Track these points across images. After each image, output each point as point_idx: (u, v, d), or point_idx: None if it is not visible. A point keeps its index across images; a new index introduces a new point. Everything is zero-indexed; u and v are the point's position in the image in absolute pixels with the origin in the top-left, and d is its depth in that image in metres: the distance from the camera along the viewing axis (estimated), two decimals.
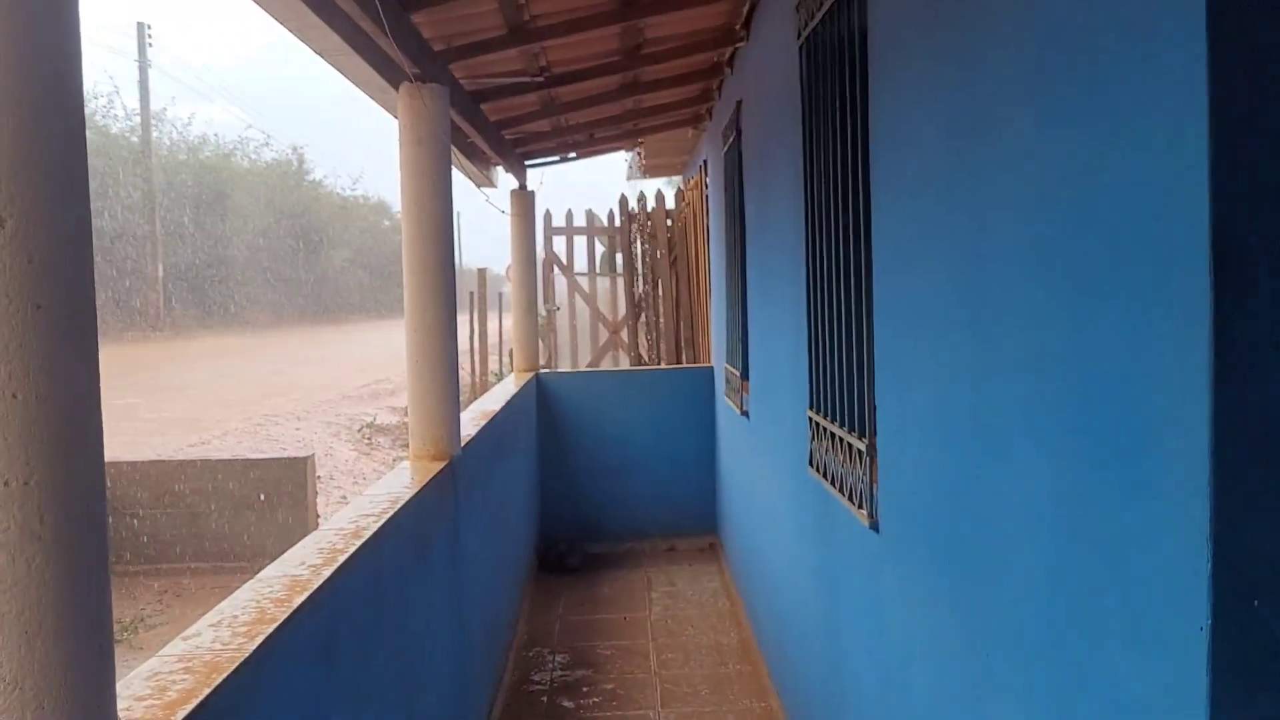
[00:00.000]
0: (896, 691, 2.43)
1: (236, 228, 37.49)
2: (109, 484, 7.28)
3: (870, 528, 2.57)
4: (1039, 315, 1.52)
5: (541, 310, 10.72)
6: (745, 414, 5.19)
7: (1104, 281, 1.31)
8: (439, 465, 3.44)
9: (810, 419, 3.31)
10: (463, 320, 16.00)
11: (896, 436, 2.36)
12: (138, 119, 31.87)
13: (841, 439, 2.88)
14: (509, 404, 5.53)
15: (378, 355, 23.70)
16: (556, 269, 9.82)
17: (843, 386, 2.91)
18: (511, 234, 7.03)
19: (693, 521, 7.14)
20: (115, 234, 28.94)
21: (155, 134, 32.50)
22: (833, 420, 3.00)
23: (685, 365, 8.47)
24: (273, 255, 40.29)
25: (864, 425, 2.65)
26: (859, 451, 2.68)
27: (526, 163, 6.98)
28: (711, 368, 7.09)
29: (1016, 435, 1.62)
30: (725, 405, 6.09)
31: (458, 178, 7.20)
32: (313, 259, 44.17)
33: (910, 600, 2.28)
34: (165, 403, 14.49)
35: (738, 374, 5.36)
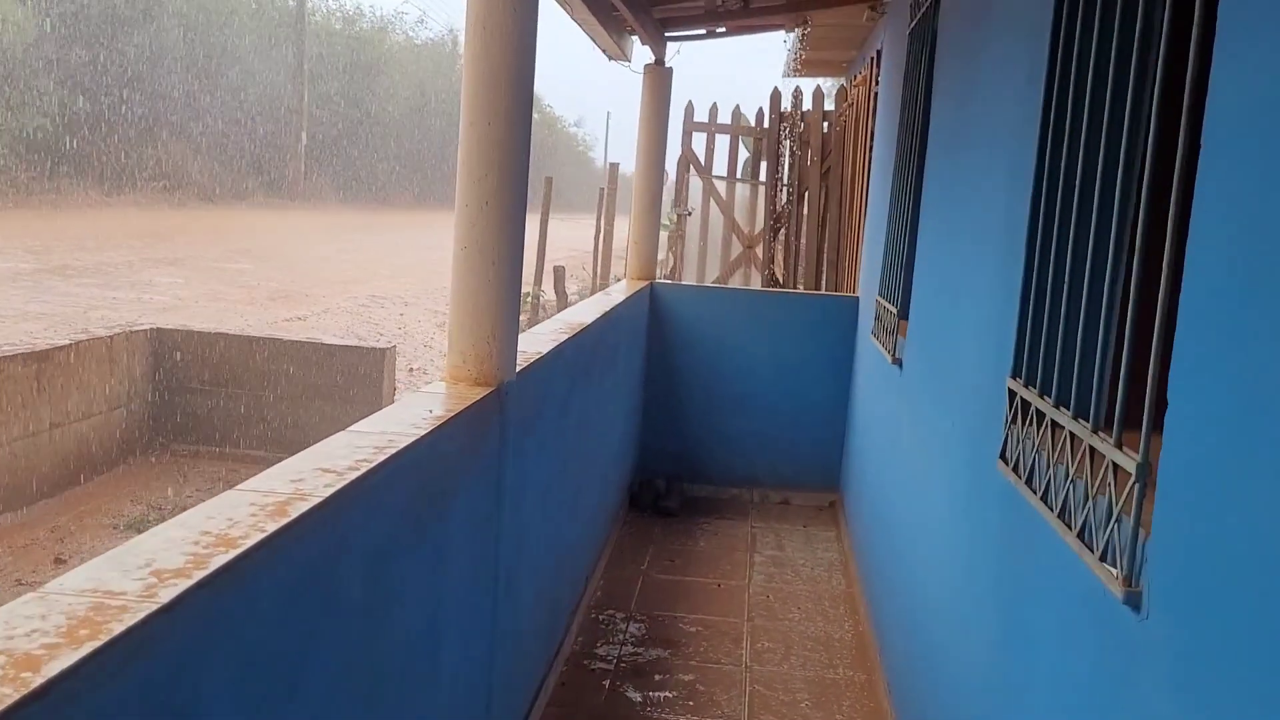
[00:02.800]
0: None
1: (387, 107, 37.30)
2: (173, 353, 6.72)
3: (1125, 601, 1.52)
4: None
5: (671, 214, 9.70)
6: (897, 362, 4.10)
7: None
8: (480, 393, 2.52)
9: (1012, 393, 2.24)
10: (588, 220, 15.12)
11: (1209, 455, 1.31)
12: None
13: (1076, 437, 1.82)
14: (608, 316, 4.58)
15: None
16: (693, 170, 8.77)
17: (1087, 352, 1.84)
18: (640, 116, 5.99)
19: (813, 474, 6.12)
20: (260, 101, 28.93)
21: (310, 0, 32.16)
22: (1059, 403, 1.93)
23: (826, 293, 7.36)
24: (422, 136, 40.10)
25: (1126, 421, 1.59)
26: (1116, 467, 1.61)
27: (667, 33, 5.89)
28: (857, 299, 5.98)
29: None
30: (871, 347, 4.99)
31: (590, 48, 6.18)
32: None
33: None
34: (278, 273, 14.11)
35: (893, 312, 4.25)
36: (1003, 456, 2.27)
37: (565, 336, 3.66)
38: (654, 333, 6.08)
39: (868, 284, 5.57)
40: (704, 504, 6.02)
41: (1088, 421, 1.77)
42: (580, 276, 15.75)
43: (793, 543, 5.50)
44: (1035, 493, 2.01)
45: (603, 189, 12.75)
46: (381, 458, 1.86)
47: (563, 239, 23.85)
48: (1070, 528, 1.78)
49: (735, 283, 8.93)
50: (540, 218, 11.59)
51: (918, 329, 3.77)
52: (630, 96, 5.92)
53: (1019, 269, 2.25)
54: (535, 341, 3.41)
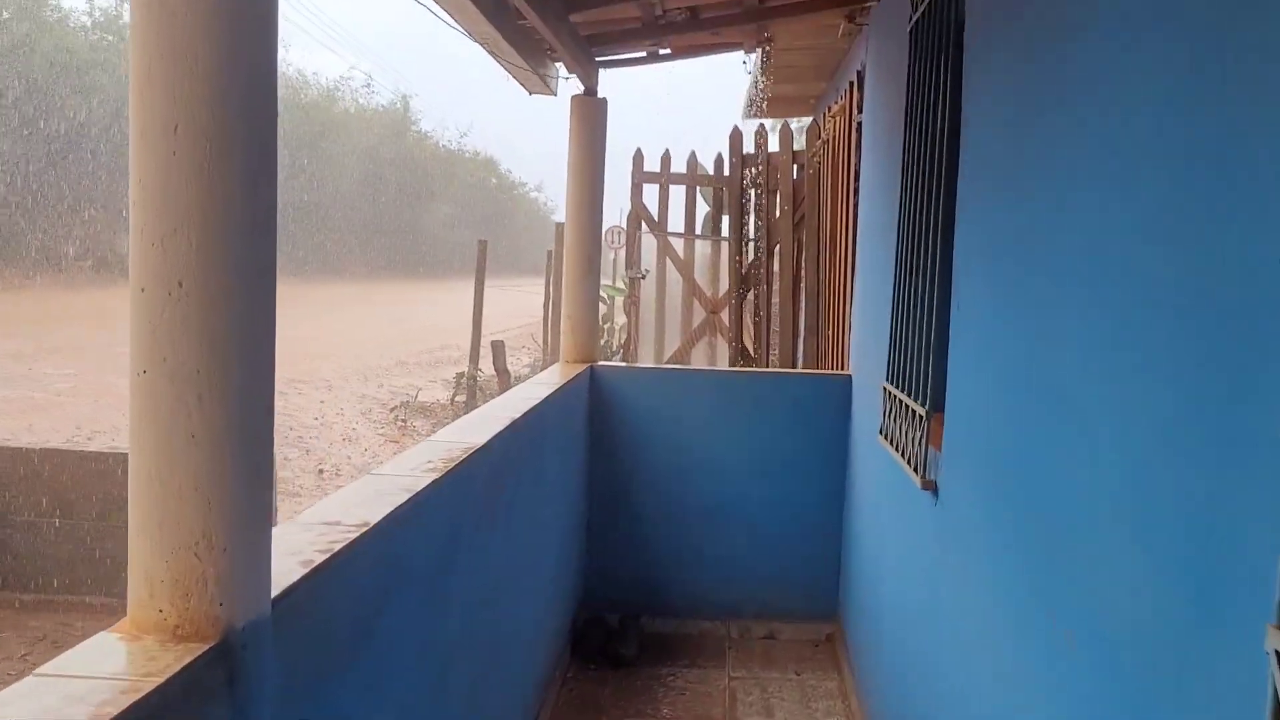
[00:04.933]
0: None
1: (335, 175, 36.21)
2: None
3: None
4: None
5: (624, 278, 8.59)
6: (931, 487, 2.85)
7: None
8: (178, 660, 1.25)
9: None
10: (538, 284, 13.93)
11: None
12: None
13: None
14: (520, 424, 3.32)
15: (465, 319, 21.88)
16: (645, 226, 7.60)
17: None
18: (569, 159, 4.79)
19: (803, 599, 4.86)
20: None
21: None
22: None
23: (809, 370, 6.15)
24: (373, 205, 38.99)
25: None
26: None
27: (598, 56, 4.73)
28: (849, 377, 4.76)
29: None
30: (880, 453, 3.72)
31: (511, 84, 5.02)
32: (414, 212, 42.88)
33: None
34: None
35: (918, 408, 3.02)
36: None
37: (438, 473, 2.40)
38: (597, 429, 4.83)
39: (862, 360, 4.36)
40: (669, 644, 4.72)
41: None
42: (532, 348, 14.50)
43: (784, 702, 4.19)
44: None
45: (550, 251, 11.56)
46: None
47: (522, 307, 22.63)
48: None
49: (699, 355, 7.72)
50: (475, 286, 10.35)
51: (970, 442, 2.54)
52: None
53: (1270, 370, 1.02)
54: (377, 493, 2.13)
